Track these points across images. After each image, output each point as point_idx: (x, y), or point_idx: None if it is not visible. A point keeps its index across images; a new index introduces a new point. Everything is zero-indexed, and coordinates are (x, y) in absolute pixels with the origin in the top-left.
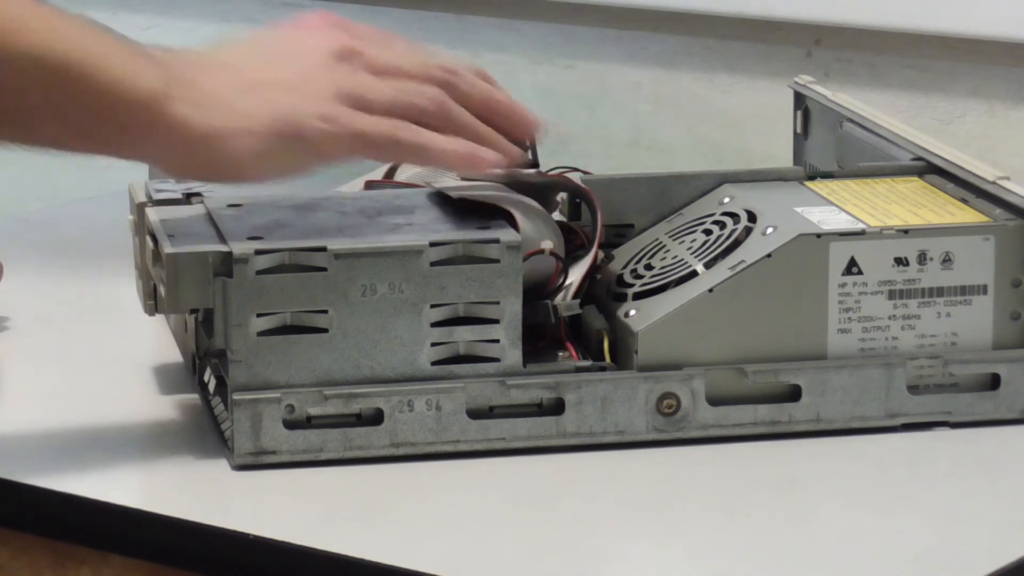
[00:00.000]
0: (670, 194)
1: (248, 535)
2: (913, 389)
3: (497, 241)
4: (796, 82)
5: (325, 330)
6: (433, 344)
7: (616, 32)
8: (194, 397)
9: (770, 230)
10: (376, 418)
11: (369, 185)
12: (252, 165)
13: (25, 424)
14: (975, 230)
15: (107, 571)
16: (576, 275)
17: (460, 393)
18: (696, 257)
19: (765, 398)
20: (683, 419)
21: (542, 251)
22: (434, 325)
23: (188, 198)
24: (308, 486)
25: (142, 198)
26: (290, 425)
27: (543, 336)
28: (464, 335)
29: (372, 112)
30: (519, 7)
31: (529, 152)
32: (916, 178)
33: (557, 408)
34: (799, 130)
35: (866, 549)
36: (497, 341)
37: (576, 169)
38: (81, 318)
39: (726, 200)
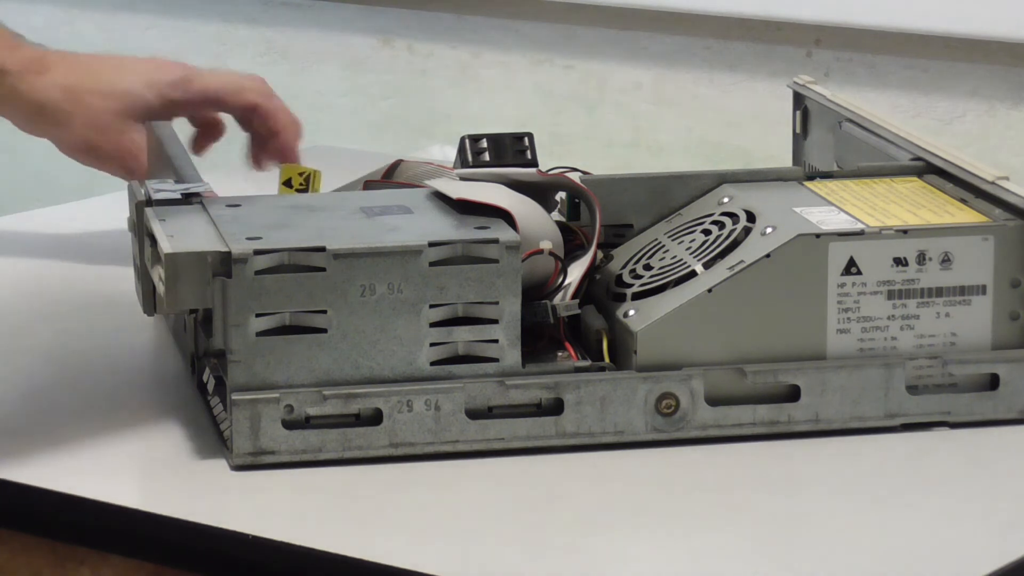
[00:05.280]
0: (669, 194)
1: (247, 535)
2: (912, 389)
3: (496, 241)
4: (795, 82)
5: (324, 330)
6: (432, 344)
7: (616, 32)
8: (193, 397)
9: (769, 230)
10: (375, 418)
11: (368, 185)
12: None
13: (24, 424)
14: (974, 230)
15: (106, 571)
16: (575, 275)
17: (459, 393)
18: (695, 257)
19: (764, 398)
20: (682, 419)
21: (541, 251)
22: (433, 325)
23: (187, 198)
24: (307, 486)
25: (141, 198)
26: (289, 425)
27: (542, 336)
28: (463, 335)
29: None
30: (519, 7)
31: (529, 152)
32: (915, 178)
33: (556, 408)
34: (798, 130)
35: (865, 549)
36: (496, 341)
37: (576, 169)
38: (81, 318)
39: (725, 200)
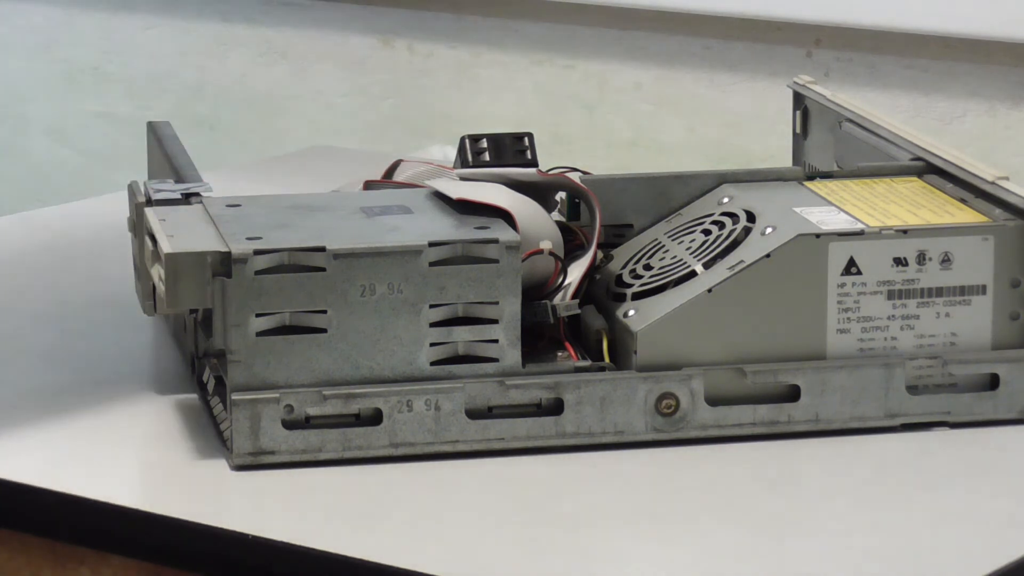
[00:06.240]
0: (669, 194)
1: (247, 535)
2: (912, 389)
3: (496, 241)
4: (795, 82)
5: (324, 330)
6: (432, 344)
7: (616, 32)
8: (193, 397)
9: (769, 230)
10: (375, 418)
11: (368, 185)
12: None
13: (24, 424)
14: (974, 230)
15: (106, 571)
16: (575, 275)
17: (459, 393)
18: (695, 257)
19: (764, 398)
20: (682, 419)
21: (541, 251)
22: (433, 325)
23: (187, 198)
24: (307, 486)
25: (141, 198)
26: (289, 425)
27: (542, 336)
28: (463, 335)
29: None
30: (519, 7)
31: (529, 152)
32: (915, 178)
33: (556, 408)
34: (798, 130)
35: (865, 549)
36: (496, 341)
37: (576, 169)
38: (81, 318)
39: (725, 200)
